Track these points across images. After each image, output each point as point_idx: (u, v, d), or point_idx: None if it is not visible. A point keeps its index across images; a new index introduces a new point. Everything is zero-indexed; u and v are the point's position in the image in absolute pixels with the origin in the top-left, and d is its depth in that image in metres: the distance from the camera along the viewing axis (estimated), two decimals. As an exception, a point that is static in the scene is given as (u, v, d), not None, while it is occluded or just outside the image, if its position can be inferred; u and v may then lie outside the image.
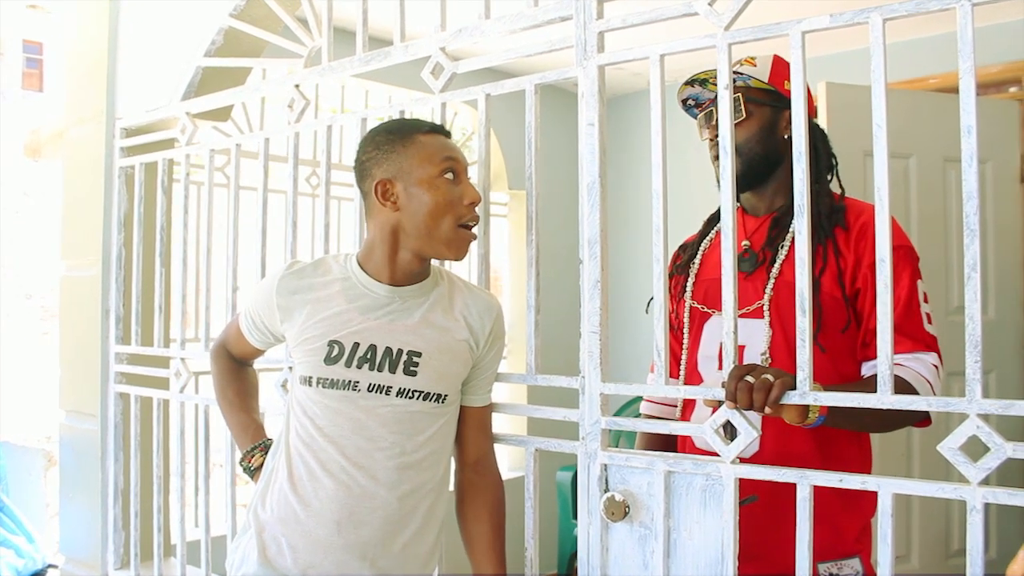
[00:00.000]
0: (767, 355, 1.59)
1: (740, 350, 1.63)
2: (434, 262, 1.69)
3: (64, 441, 2.81)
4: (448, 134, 1.56)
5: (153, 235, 2.50)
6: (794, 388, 1.31)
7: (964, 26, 1.19)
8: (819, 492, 1.32)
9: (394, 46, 1.86)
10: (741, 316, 1.64)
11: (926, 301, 1.55)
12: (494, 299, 1.64)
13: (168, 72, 2.46)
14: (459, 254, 1.52)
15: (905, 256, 1.57)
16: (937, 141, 3.05)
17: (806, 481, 1.30)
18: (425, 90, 1.83)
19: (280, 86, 2.10)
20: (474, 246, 1.59)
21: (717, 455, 1.40)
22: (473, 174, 1.61)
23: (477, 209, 1.52)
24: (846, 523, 1.59)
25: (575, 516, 4.05)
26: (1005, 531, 3.21)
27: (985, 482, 1.17)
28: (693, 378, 1.73)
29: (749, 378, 1.32)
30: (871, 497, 1.59)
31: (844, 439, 1.59)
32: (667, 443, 1.84)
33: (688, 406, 1.76)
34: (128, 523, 2.55)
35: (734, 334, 1.38)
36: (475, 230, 1.54)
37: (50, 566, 3.20)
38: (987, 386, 3.24)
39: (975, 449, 1.17)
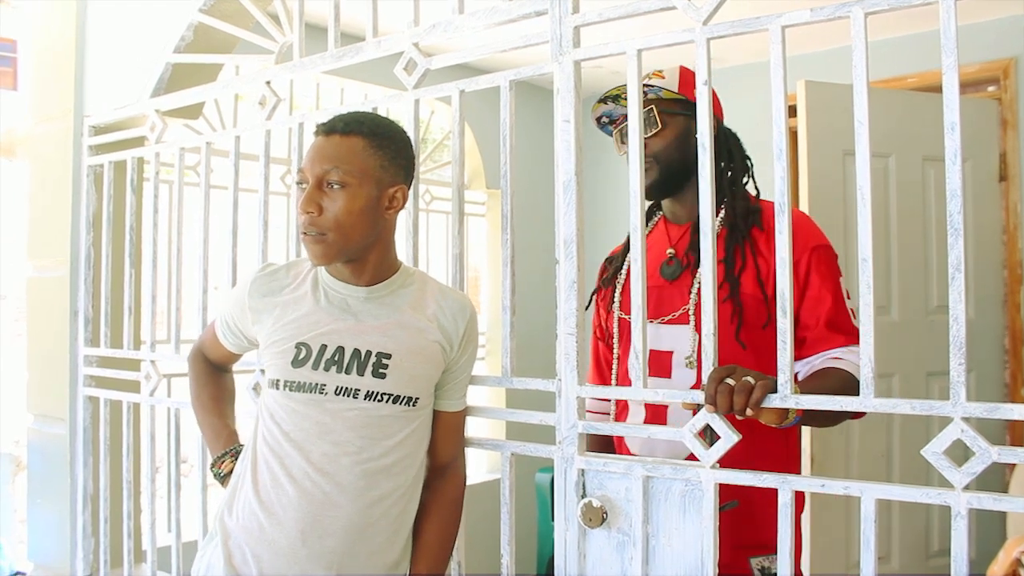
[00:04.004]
0: (692, 359, 1.62)
1: (667, 356, 1.63)
2: (407, 261, 1.66)
3: (32, 445, 2.74)
4: (327, 131, 1.46)
5: (122, 235, 2.44)
6: (775, 391, 1.28)
7: (947, 21, 1.16)
8: (750, 488, 1.32)
9: (366, 42, 1.81)
10: (667, 323, 1.67)
11: (848, 297, 1.59)
12: (467, 300, 1.60)
13: (137, 68, 2.41)
14: (313, 260, 1.47)
15: (828, 255, 1.62)
16: (916, 140, 3.05)
17: (787, 486, 1.28)
18: (401, 88, 1.79)
19: (251, 83, 2.05)
20: (448, 246, 1.56)
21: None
22: (447, 173, 1.57)
23: (447, 206, 1.49)
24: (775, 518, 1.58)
25: (554, 518, 4.02)
26: (985, 531, 3.20)
27: (969, 487, 1.15)
28: (626, 384, 1.72)
29: (729, 380, 1.29)
30: (800, 495, 1.61)
31: (771, 436, 1.58)
32: (607, 444, 1.83)
33: (622, 411, 1.77)
34: (98, 529, 2.49)
35: (713, 336, 1.35)
36: (455, 230, 1.50)
37: (17, 573, 3.13)
38: (968, 387, 3.23)
39: (957, 453, 1.14)
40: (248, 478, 1.48)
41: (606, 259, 1.91)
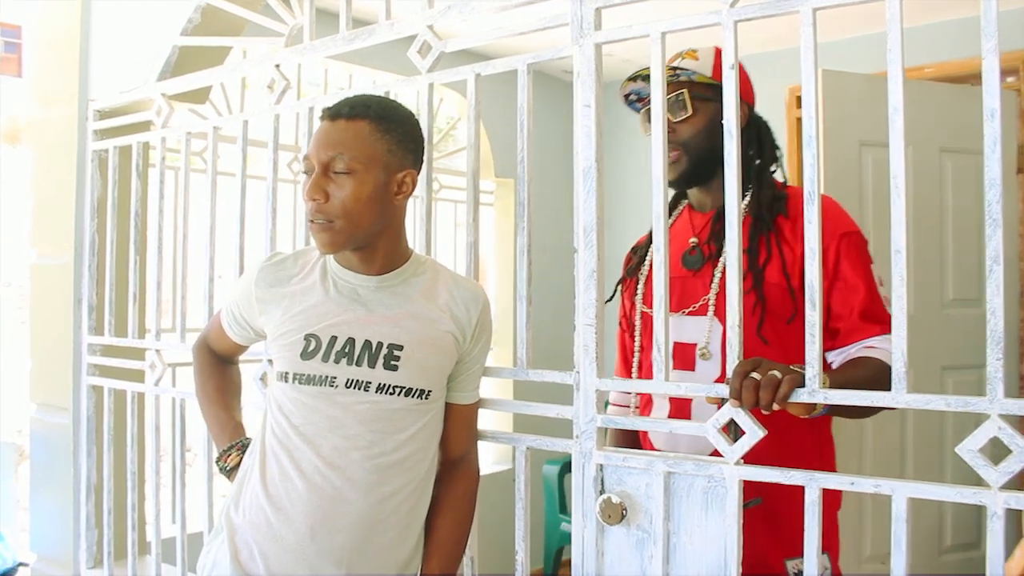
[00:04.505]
0: (705, 350, 1.58)
1: (691, 348, 1.60)
2: (418, 249, 1.62)
3: (35, 435, 2.71)
4: (333, 116, 1.42)
5: (127, 222, 2.40)
6: (803, 385, 1.24)
7: (988, 4, 1.11)
8: (784, 487, 1.27)
9: (379, 24, 1.77)
10: (688, 314, 1.62)
11: (880, 284, 1.54)
12: (480, 289, 1.56)
13: (143, 52, 2.36)
14: (320, 248, 1.42)
15: (858, 241, 1.57)
16: (933, 131, 2.99)
17: (815, 484, 1.24)
18: (412, 74, 1.74)
19: (260, 66, 2.00)
20: (462, 235, 1.52)
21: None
22: (460, 160, 1.53)
23: (454, 195, 1.45)
24: None
25: (562, 511, 3.99)
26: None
27: (1006, 486, 1.11)
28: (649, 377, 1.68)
29: (755, 375, 1.25)
30: (835, 492, 1.55)
31: (801, 432, 1.53)
32: (632, 439, 1.80)
33: (646, 405, 1.72)
34: (101, 520, 2.46)
35: (739, 328, 1.30)
36: (470, 217, 1.46)
37: (21, 564, 3.10)
38: (981, 380, 3.20)
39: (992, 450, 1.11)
40: (256, 472, 1.44)
41: (632, 248, 1.86)
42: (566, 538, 3.90)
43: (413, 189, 1.46)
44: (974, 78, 3.36)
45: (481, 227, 1.69)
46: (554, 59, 1.53)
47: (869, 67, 3.25)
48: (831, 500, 1.55)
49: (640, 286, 1.75)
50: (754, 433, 1.27)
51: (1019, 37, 3.23)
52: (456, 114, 4.08)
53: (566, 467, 3.93)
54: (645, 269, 1.75)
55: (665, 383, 1.37)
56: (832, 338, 1.52)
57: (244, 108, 3.17)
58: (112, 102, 2.45)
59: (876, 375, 1.34)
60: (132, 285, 2.35)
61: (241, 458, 1.54)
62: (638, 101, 1.72)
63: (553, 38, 1.55)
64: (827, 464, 1.61)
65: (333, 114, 1.42)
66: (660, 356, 1.38)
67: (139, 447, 2.37)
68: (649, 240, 1.77)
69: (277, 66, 1.96)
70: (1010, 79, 3.34)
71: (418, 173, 1.49)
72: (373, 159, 1.39)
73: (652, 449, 1.64)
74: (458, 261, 3.88)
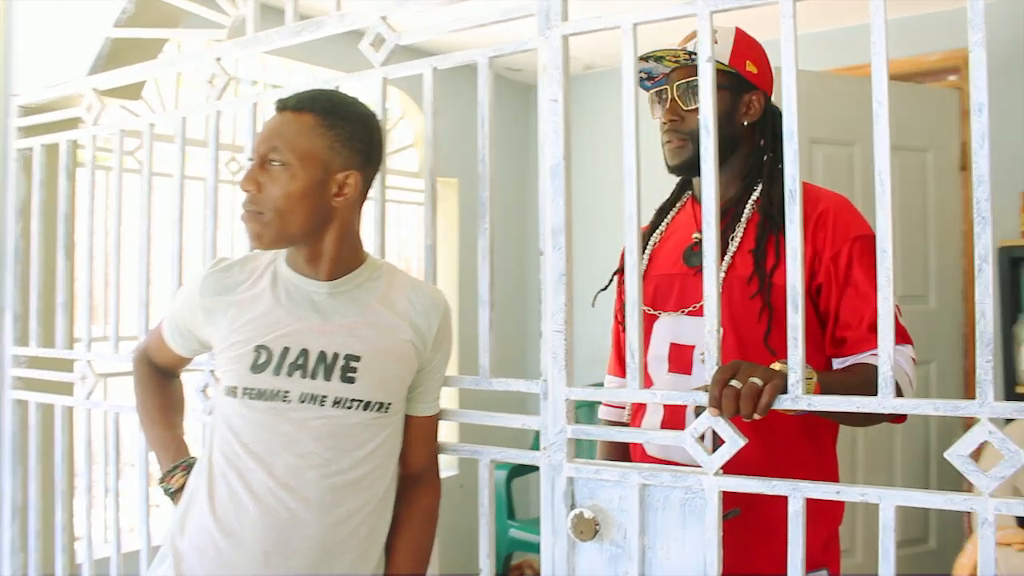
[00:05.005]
0: (702, 355, 1.48)
1: (689, 351, 1.51)
2: (375, 252, 1.53)
3: (-45, 453, 2.54)
4: (280, 107, 1.36)
5: (55, 225, 2.25)
6: (785, 391, 1.19)
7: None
8: (781, 500, 1.21)
9: (329, 16, 1.67)
10: (688, 314, 1.53)
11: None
12: (440, 294, 1.48)
13: (72, 44, 2.22)
14: (250, 241, 1.35)
15: (873, 247, 1.44)
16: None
17: (798, 494, 1.19)
18: (365, 68, 1.65)
19: (199, 60, 1.89)
20: (420, 237, 1.44)
21: (674, 464, 1.28)
22: (401, 159, 1.44)
23: (417, 197, 1.37)
24: (811, 532, 1.47)
25: (510, 517, 3.92)
26: (944, 518, 3.20)
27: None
28: (644, 380, 1.59)
29: (735, 383, 1.19)
30: (837, 506, 1.49)
31: (796, 441, 1.46)
32: (624, 449, 1.70)
33: (639, 410, 1.62)
34: (27, 544, 2.30)
35: (717, 332, 1.25)
36: (427, 218, 1.37)
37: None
38: (927, 377, 3.23)
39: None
40: (203, 494, 1.34)
41: None
42: (515, 544, 3.84)
43: (358, 191, 1.37)
44: (918, 76, 3.41)
45: (422, 228, 1.61)
46: (516, 52, 1.46)
47: (816, 64, 3.26)
48: (830, 513, 1.47)
49: None
50: (734, 442, 1.22)
51: (960, 36, 3.27)
52: (400, 112, 3.98)
53: (514, 471, 3.86)
54: (644, 263, 1.63)
55: (640, 391, 1.31)
56: (838, 347, 1.44)
57: (179, 106, 3.03)
58: (37, 97, 2.30)
59: (869, 381, 1.26)
60: (60, 293, 2.21)
61: (186, 479, 1.44)
62: (648, 80, 1.61)
63: (515, 31, 1.47)
64: (827, 479, 1.51)
65: (281, 105, 1.36)
66: (633, 363, 1.31)
67: (68, 464, 2.23)
68: (651, 229, 1.68)
69: (218, 60, 1.85)
70: (952, 77, 3.39)
71: (369, 175, 1.41)
72: (310, 155, 1.32)
73: (645, 457, 1.55)
74: (402, 263, 3.79)
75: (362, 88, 1.65)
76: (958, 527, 3.27)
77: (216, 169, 1.88)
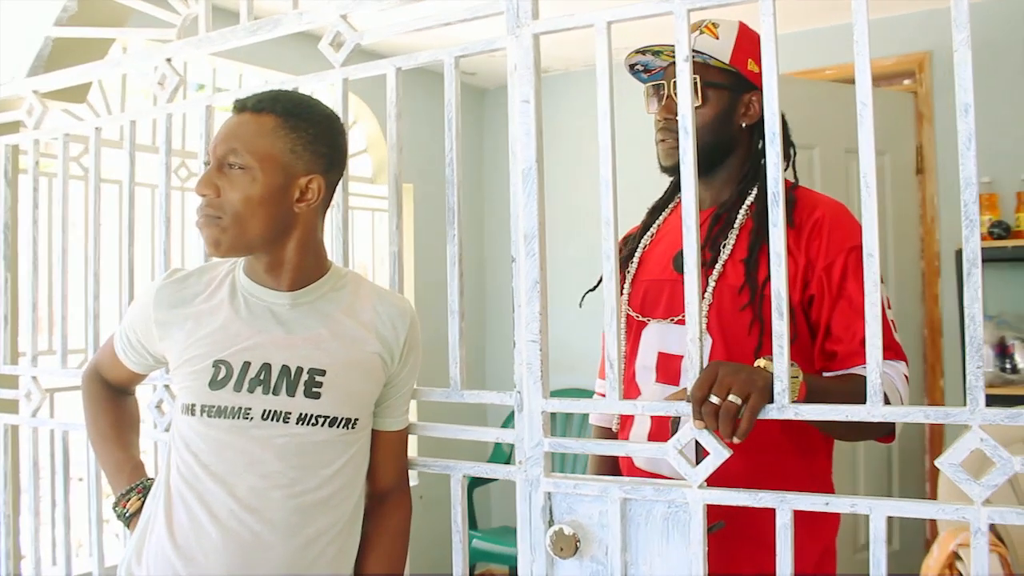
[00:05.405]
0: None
1: (677, 360, 1.47)
2: (337, 260, 1.47)
3: None
4: (239, 108, 1.30)
5: (-7, 235, 2.14)
6: (770, 400, 1.15)
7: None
8: (770, 513, 1.16)
9: (287, 14, 1.60)
10: (676, 322, 1.48)
11: (889, 307, 1.41)
12: (407, 304, 1.42)
13: (10, 44, 2.11)
14: (207, 247, 1.30)
15: None
16: (838, 132, 3.01)
17: (786, 506, 1.15)
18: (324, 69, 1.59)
19: (148, 60, 1.80)
20: (384, 242, 1.38)
21: (661, 477, 1.24)
22: (365, 162, 1.38)
23: (370, 203, 1.31)
24: (804, 547, 1.43)
25: (473, 526, 3.85)
26: (908, 520, 3.21)
27: (988, 500, 1.05)
28: (630, 390, 1.55)
29: (714, 399, 1.14)
30: (832, 519, 1.46)
31: (787, 452, 1.42)
32: (614, 461, 1.66)
33: (627, 421, 1.58)
34: (-31, 571, 2.19)
35: (699, 341, 1.21)
36: (392, 224, 1.31)
37: None
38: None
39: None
40: (161, 519, 1.26)
41: (623, 238, 1.68)
42: (478, 555, 3.78)
43: (321, 197, 1.31)
44: (873, 80, 3.43)
45: (376, 235, 1.55)
46: (485, 52, 1.41)
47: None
48: (824, 526, 1.44)
49: (627, 284, 1.58)
50: (719, 454, 1.18)
51: (914, 41, 3.31)
52: (353, 116, 3.89)
53: (475, 481, 3.80)
54: (633, 266, 1.59)
55: (620, 403, 1.27)
56: (828, 360, 1.40)
57: (125, 110, 2.92)
58: (-27, 101, 2.19)
59: (858, 391, 1.22)
60: (2, 306, 2.09)
61: (142, 503, 1.36)
62: (644, 72, 1.56)
63: (479, 31, 1.42)
64: (820, 491, 1.47)
65: (240, 106, 1.30)
66: (613, 374, 1.27)
67: (13, 486, 2.11)
68: (643, 229, 1.63)
69: (168, 60, 1.77)
70: (907, 81, 3.41)
71: (333, 180, 1.34)
72: (270, 158, 1.25)
73: (633, 469, 1.50)
74: (380, 271, 3.70)
75: (320, 90, 1.58)
76: (920, 528, 3.29)
77: (168, 175, 1.80)
